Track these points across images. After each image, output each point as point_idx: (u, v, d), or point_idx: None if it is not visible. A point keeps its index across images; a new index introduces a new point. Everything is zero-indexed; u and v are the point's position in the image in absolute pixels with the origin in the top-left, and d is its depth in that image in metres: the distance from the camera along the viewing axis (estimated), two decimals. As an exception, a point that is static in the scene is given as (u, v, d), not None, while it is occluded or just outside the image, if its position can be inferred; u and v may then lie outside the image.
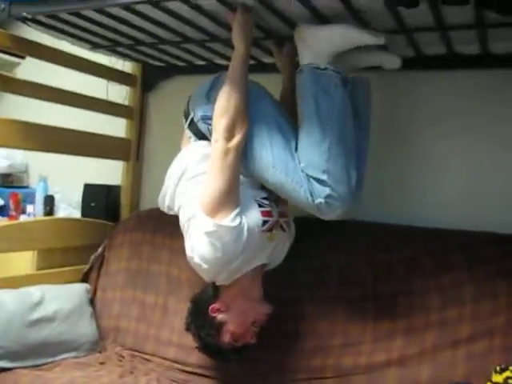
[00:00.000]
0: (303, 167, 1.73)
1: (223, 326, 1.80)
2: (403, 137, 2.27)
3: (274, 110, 1.86)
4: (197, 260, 1.73)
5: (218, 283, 1.81)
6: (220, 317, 1.81)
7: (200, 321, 1.85)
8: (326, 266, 2.04)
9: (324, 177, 1.69)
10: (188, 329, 1.91)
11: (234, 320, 1.80)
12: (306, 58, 1.80)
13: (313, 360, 1.95)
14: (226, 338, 1.80)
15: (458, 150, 2.18)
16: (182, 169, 1.89)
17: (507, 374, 1.42)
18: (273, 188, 1.81)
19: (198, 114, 1.91)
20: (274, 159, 1.76)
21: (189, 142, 2.00)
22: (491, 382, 1.43)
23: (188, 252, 1.78)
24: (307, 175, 1.72)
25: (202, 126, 1.90)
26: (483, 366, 1.65)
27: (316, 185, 1.71)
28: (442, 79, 2.21)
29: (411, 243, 1.98)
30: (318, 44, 1.76)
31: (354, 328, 1.93)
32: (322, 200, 1.70)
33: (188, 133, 2.00)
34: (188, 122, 1.96)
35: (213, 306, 1.81)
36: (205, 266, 1.72)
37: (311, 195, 1.71)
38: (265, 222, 1.76)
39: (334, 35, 1.75)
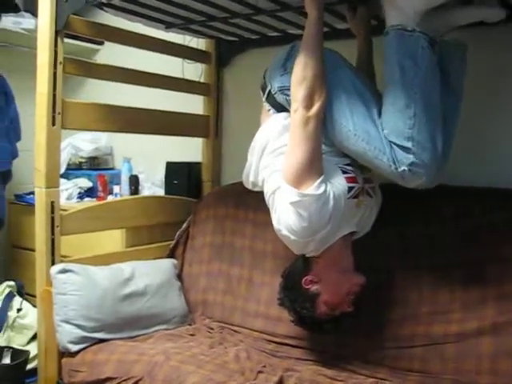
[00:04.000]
0: (387, 134, 1.68)
1: (318, 297, 1.78)
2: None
3: (352, 78, 1.80)
4: (284, 232, 1.72)
5: (307, 255, 1.80)
6: (314, 288, 1.79)
7: (294, 294, 1.83)
8: (413, 233, 2.00)
9: (408, 144, 1.63)
10: (282, 304, 1.89)
11: (327, 290, 1.78)
12: (392, 18, 1.70)
13: (401, 328, 1.92)
14: (322, 308, 1.79)
15: None
16: (264, 143, 1.87)
17: None
18: (354, 156, 1.77)
19: (275, 85, 1.88)
20: (354, 127, 1.71)
21: (268, 116, 1.97)
22: None
23: (275, 224, 1.77)
24: (390, 142, 1.66)
25: (281, 98, 1.87)
26: None
27: (400, 152, 1.65)
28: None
29: (499, 208, 1.90)
30: (406, 3, 1.65)
31: (443, 296, 1.89)
32: (406, 168, 1.64)
33: (267, 106, 1.97)
34: (266, 95, 1.94)
35: (305, 277, 1.80)
36: (293, 237, 1.71)
37: (394, 163, 1.66)
38: (350, 189, 1.73)
39: None
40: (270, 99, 1.93)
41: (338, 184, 1.71)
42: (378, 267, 2.01)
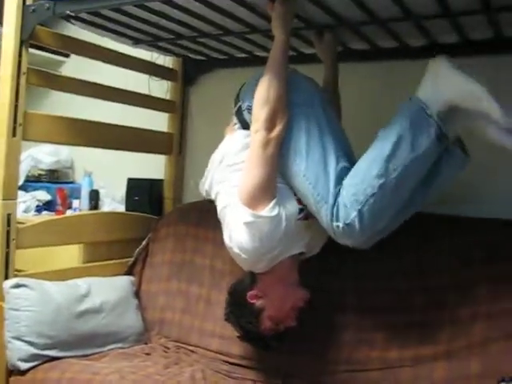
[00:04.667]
0: (345, 182, 1.66)
1: (262, 311, 1.80)
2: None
3: (321, 120, 1.77)
4: (236, 250, 1.74)
5: (256, 271, 1.82)
6: (258, 303, 1.81)
7: (239, 309, 1.86)
8: (369, 256, 2.01)
9: (356, 207, 1.62)
10: (228, 319, 1.92)
11: (272, 305, 1.80)
12: (424, 89, 1.65)
13: (356, 352, 1.93)
14: (267, 323, 1.81)
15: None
16: (222, 155, 1.90)
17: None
18: (297, 193, 1.77)
19: (245, 103, 1.88)
20: (306, 168, 1.72)
21: (233, 130, 1.99)
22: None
23: (226, 241, 1.79)
24: (340, 194, 1.65)
25: (247, 116, 1.88)
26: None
27: (343, 209, 1.64)
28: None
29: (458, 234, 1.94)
30: (445, 89, 1.60)
31: (398, 320, 1.90)
32: (341, 225, 1.64)
33: (234, 119, 1.98)
34: (236, 109, 1.95)
35: (250, 293, 1.82)
36: (244, 255, 1.73)
37: (332, 215, 1.66)
38: (301, 210, 1.76)
39: (466, 88, 1.56)
40: (239, 114, 1.94)
41: (290, 206, 1.74)
42: (333, 289, 2.02)
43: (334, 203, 1.66)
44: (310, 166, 1.71)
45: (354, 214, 1.62)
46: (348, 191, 1.64)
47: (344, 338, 1.96)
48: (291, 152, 1.74)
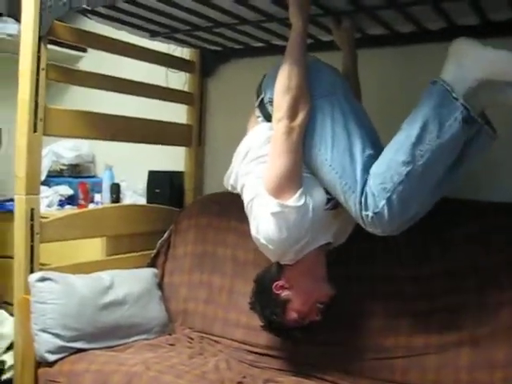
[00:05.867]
0: (372, 172, 1.63)
1: (287, 303, 1.80)
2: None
3: (345, 107, 1.74)
4: (263, 241, 1.73)
5: (282, 262, 1.81)
6: (284, 294, 1.81)
7: (264, 299, 1.85)
8: (397, 244, 1.98)
9: (386, 195, 1.59)
10: (253, 308, 1.92)
11: (298, 297, 1.79)
12: (447, 72, 1.60)
13: (383, 339, 1.92)
14: (292, 315, 1.80)
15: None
16: (247, 149, 1.88)
17: None
18: (324, 184, 1.74)
19: (267, 95, 1.85)
20: (332, 158, 1.69)
21: (256, 122, 1.96)
22: None
23: (253, 233, 1.78)
24: (367, 184, 1.63)
25: (270, 109, 1.84)
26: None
27: (371, 198, 1.61)
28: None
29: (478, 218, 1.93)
30: (472, 66, 1.55)
31: (424, 306, 1.89)
32: (370, 214, 1.61)
33: (257, 112, 1.95)
34: (258, 102, 1.92)
35: (276, 283, 1.81)
36: (271, 246, 1.72)
37: (361, 204, 1.63)
38: (329, 200, 1.74)
39: (494, 59, 1.53)
40: (261, 107, 1.91)
41: (317, 195, 1.72)
42: (361, 276, 2.01)
43: (362, 192, 1.63)
44: (335, 156, 1.69)
45: (382, 202, 1.59)
46: (375, 180, 1.61)
47: (372, 326, 1.95)
48: (316, 142, 1.72)
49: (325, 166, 1.71)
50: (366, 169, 1.65)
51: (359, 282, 2.00)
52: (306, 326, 1.83)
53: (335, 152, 1.69)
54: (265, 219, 1.70)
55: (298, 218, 1.66)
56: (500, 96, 1.59)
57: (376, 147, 1.71)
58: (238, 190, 1.91)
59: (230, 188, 1.99)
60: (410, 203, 1.61)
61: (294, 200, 1.66)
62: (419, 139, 1.57)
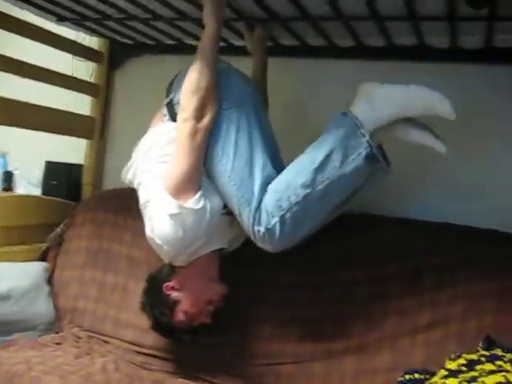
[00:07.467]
0: (270, 187, 1.68)
1: (177, 304, 1.81)
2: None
3: (252, 121, 1.76)
4: (158, 241, 1.72)
5: (175, 264, 1.81)
6: (174, 295, 1.81)
7: (154, 299, 1.85)
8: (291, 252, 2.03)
9: (280, 213, 1.64)
10: (143, 308, 1.90)
11: (187, 299, 1.80)
12: (358, 108, 1.66)
13: (271, 345, 1.94)
14: (180, 316, 1.81)
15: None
16: (149, 145, 1.86)
17: (460, 361, 1.44)
18: (220, 193, 1.76)
19: (177, 96, 1.82)
20: (232, 170, 1.71)
21: (162, 121, 1.93)
22: (445, 369, 1.45)
23: (148, 232, 1.76)
24: (264, 199, 1.67)
25: (178, 110, 1.81)
26: (440, 353, 1.66)
27: (264, 214, 1.66)
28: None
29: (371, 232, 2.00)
30: (382, 104, 1.62)
31: (314, 314, 1.93)
32: (262, 229, 1.66)
33: (164, 110, 1.92)
34: (167, 101, 1.88)
35: (167, 283, 1.81)
36: (166, 247, 1.72)
37: (254, 218, 1.68)
38: (226, 205, 1.76)
39: (405, 97, 1.60)
40: (170, 106, 1.89)
41: (215, 200, 1.73)
42: (254, 282, 2.02)
43: (258, 207, 1.67)
44: (236, 168, 1.71)
45: (275, 219, 1.64)
46: (272, 197, 1.66)
47: (261, 332, 1.97)
48: (218, 151, 1.73)
49: (223, 177, 1.73)
50: (265, 185, 1.69)
51: (250, 286, 2.01)
52: (195, 328, 1.84)
53: (236, 164, 1.71)
54: (161, 220, 1.68)
55: (196, 220, 1.66)
56: (401, 133, 1.69)
57: (277, 164, 1.75)
58: (135, 186, 1.89)
59: (127, 182, 1.97)
60: (303, 224, 1.67)
61: (193, 202, 1.66)
62: (322, 166, 1.63)
